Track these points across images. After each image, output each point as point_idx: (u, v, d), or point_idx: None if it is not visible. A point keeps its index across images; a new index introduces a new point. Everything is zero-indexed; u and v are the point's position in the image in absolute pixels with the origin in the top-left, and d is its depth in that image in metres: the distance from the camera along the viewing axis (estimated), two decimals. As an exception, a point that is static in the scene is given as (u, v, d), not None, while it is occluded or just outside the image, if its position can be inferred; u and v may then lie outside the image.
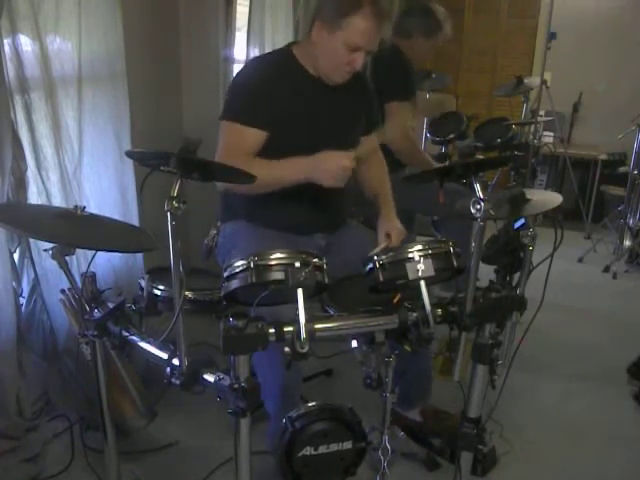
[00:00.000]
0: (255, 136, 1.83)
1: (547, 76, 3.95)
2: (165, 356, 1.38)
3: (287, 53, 1.93)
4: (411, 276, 1.31)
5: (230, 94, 1.89)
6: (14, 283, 1.92)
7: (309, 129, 1.89)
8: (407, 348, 1.38)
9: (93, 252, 1.59)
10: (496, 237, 2.08)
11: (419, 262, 1.32)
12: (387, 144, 2.59)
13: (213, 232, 1.95)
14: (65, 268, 1.41)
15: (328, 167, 1.74)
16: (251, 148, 1.83)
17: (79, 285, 1.52)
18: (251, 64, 2.05)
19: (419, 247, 1.34)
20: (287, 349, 1.25)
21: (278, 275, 1.24)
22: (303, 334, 1.23)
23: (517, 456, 2.08)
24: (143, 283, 1.51)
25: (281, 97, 1.84)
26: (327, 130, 1.91)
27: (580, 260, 4.28)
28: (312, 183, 1.78)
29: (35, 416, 2.05)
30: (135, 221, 2.29)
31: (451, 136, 3.24)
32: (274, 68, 1.89)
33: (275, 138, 1.85)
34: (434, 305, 1.36)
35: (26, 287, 2.02)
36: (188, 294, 1.46)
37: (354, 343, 1.50)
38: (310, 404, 1.36)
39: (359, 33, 1.72)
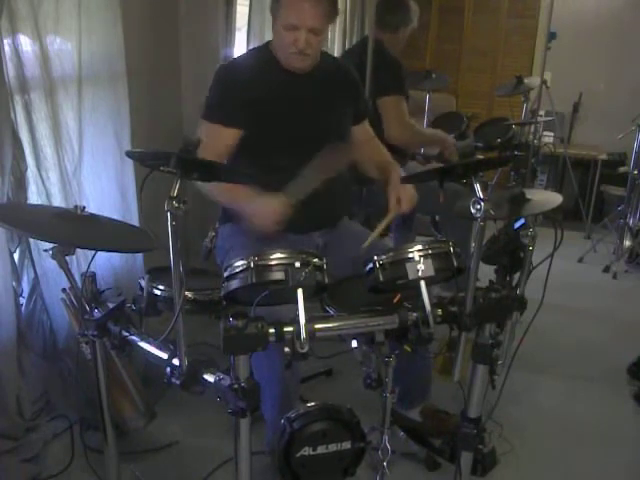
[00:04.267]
0: (228, 135, 1.87)
1: (547, 76, 3.96)
2: (165, 356, 1.38)
3: (265, 50, 1.98)
4: (411, 276, 1.32)
5: (209, 94, 1.93)
6: (14, 283, 1.92)
7: (290, 121, 1.91)
8: (407, 348, 1.38)
9: (93, 252, 1.59)
10: (496, 237, 2.07)
11: (419, 262, 1.32)
12: (391, 142, 2.61)
13: (211, 234, 1.95)
14: (65, 268, 1.41)
15: (264, 213, 1.75)
16: (223, 148, 1.87)
17: (79, 285, 1.52)
18: (229, 63, 2.10)
19: (419, 247, 1.34)
20: (287, 349, 1.25)
21: (278, 275, 1.24)
22: (303, 334, 1.23)
23: (517, 456, 2.08)
24: (143, 283, 1.51)
25: (260, 92, 1.87)
26: (309, 121, 1.94)
27: (580, 260, 4.28)
28: None
29: (35, 416, 2.05)
30: (135, 221, 2.28)
31: (451, 136, 3.24)
32: (252, 64, 1.96)
33: (258, 133, 1.88)
34: (434, 305, 1.36)
35: (26, 287, 2.02)
36: (188, 294, 1.46)
37: (354, 343, 1.51)
38: (309, 404, 1.37)
39: (289, 11, 1.78)
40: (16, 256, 1.94)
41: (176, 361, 1.34)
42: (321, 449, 1.33)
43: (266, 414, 1.81)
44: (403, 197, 1.89)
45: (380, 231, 1.87)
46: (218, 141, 1.87)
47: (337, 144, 1.96)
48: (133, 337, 1.48)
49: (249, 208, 1.80)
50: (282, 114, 1.91)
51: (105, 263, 2.18)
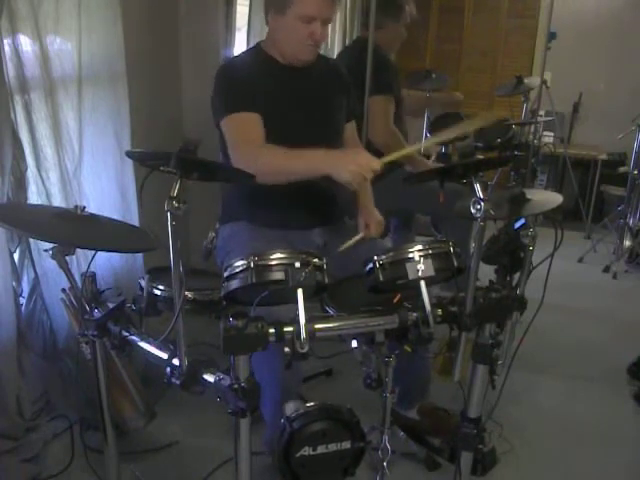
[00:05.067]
0: (257, 119, 1.83)
1: (547, 76, 3.96)
2: (165, 356, 1.38)
3: (256, 49, 1.99)
4: (411, 276, 1.31)
5: (215, 94, 1.90)
6: (14, 283, 1.92)
7: (291, 116, 1.91)
8: (407, 348, 1.38)
9: (93, 252, 1.59)
10: (496, 237, 2.07)
11: (419, 262, 1.32)
12: (373, 141, 2.60)
13: (212, 234, 1.96)
14: (65, 268, 1.41)
15: (359, 161, 1.64)
16: (258, 133, 1.81)
17: (79, 285, 1.52)
18: (226, 64, 2.10)
19: (419, 247, 1.34)
20: (287, 349, 1.25)
21: (278, 275, 1.24)
22: (303, 334, 1.23)
23: (517, 456, 2.08)
24: (143, 283, 1.51)
25: (259, 89, 1.86)
26: (307, 116, 1.93)
27: (580, 260, 4.28)
28: (310, 179, 1.78)
29: (35, 416, 2.05)
30: (135, 221, 2.28)
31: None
32: (247, 63, 1.95)
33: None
34: (434, 305, 1.36)
35: (26, 287, 2.02)
36: (188, 294, 1.46)
37: (354, 343, 1.51)
38: (308, 404, 1.37)
39: (306, 3, 1.77)
40: (16, 256, 1.94)
41: (176, 361, 1.34)
42: (321, 449, 1.33)
43: (265, 414, 1.80)
44: (371, 223, 1.94)
45: (351, 244, 1.82)
46: (250, 127, 1.81)
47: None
48: (133, 337, 1.48)
49: (343, 160, 1.67)
50: (284, 111, 1.90)
51: (105, 263, 2.18)
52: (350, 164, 1.63)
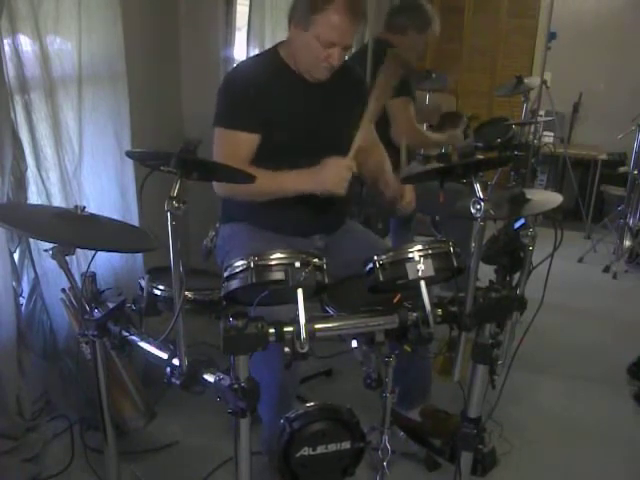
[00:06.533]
0: (248, 140, 1.84)
1: (547, 76, 3.96)
2: (165, 356, 1.38)
3: (273, 53, 1.95)
4: (411, 276, 1.32)
5: (219, 99, 1.89)
6: (14, 283, 1.92)
7: (301, 126, 1.90)
8: (407, 348, 1.39)
9: (93, 252, 1.59)
10: (496, 237, 2.07)
11: (419, 262, 1.32)
12: (397, 143, 2.61)
13: (212, 234, 1.95)
14: (65, 268, 1.41)
15: (331, 172, 1.75)
16: (246, 154, 1.84)
17: (79, 285, 1.52)
18: (238, 67, 2.08)
19: (419, 247, 1.34)
20: (287, 349, 1.26)
21: (278, 275, 1.24)
22: (303, 334, 1.23)
23: (517, 456, 2.08)
24: (143, 283, 1.51)
25: (270, 97, 1.85)
26: (320, 126, 1.91)
27: (580, 260, 4.28)
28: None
29: (35, 416, 2.05)
30: (135, 221, 2.28)
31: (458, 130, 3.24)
32: (261, 69, 1.91)
33: (268, 139, 1.86)
34: (434, 305, 1.36)
35: (26, 287, 2.02)
36: (188, 294, 1.46)
37: (354, 343, 1.51)
38: (308, 404, 1.37)
39: (331, 28, 1.73)
40: (16, 256, 1.94)
41: (176, 361, 1.34)
42: (321, 449, 1.33)
43: (263, 415, 1.80)
44: (405, 192, 1.97)
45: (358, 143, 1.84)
46: (240, 147, 1.83)
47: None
48: (133, 337, 1.48)
49: (314, 181, 1.78)
50: (294, 118, 1.88)
51: (105, 263, 2.18)
52: (327, 176, 1.75)
